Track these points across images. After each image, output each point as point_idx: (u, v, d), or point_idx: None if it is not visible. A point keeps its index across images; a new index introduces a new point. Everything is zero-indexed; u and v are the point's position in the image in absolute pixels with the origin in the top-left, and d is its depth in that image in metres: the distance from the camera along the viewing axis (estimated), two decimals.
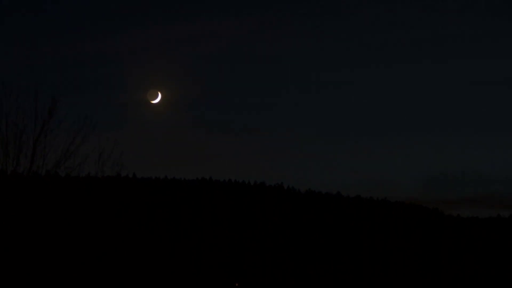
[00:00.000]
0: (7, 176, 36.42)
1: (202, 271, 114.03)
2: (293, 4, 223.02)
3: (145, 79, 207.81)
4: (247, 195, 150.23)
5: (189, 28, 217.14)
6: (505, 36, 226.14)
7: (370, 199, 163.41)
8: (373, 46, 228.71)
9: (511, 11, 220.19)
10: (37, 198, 37.15)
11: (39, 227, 37.56)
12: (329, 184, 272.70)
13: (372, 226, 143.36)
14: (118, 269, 44.87)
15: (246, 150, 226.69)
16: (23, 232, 36.95)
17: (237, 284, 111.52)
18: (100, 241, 41.44)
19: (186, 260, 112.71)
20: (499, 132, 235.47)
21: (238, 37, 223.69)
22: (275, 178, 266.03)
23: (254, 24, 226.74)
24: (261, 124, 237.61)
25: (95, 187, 39.83)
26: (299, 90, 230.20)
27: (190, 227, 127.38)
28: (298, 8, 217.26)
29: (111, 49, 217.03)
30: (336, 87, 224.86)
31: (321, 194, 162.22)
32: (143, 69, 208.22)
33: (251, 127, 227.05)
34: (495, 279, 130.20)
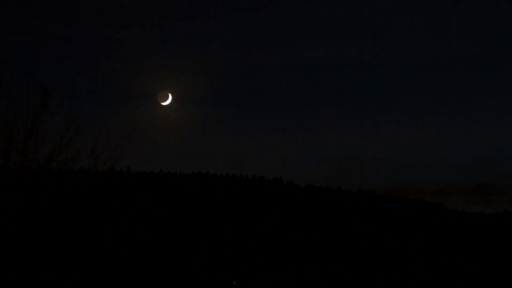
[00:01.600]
0: None
1: (202, 271, 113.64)
2: None
3: (143, 71, 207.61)
4: (246, 191, 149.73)
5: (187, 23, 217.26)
6: None
7: (371, 193, 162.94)
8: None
9: None
10: (29, 194, 36.26)
11: (31, 224, 36.73)
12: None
13: (373, 223, 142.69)
14: (114, 268, 44.14)
15: None
16: (14, 229, 36.10)
17: (235, 283, 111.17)
18: (95, 239, 40.66)
19: (185, 259, 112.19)
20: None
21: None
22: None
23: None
24: None
25: (89, 181, 38.94)
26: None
27: (188, 222, 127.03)
28: None
29: (109, 35, 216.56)
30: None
31: (321, 188, 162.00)
32: (141, 61, 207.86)
33: None
34: (500, 279, 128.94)
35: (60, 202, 37.97)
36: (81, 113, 36.55)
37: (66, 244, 38.09)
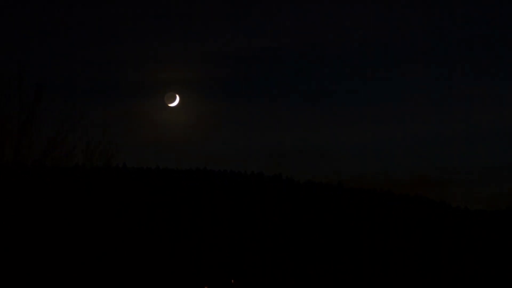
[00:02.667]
0: None
1: (202, 271, 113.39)
2: None
3: (138, 64, 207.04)
4: (246, 191, 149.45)
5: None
6: None
7: (372, 191, 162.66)
8: None
9: None
10: (23, 191, 35.77)
11: (25, 222, 36.24)
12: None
13: (374, 222, 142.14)
14: (113, 268, 43.64)
15: None
16: (8, 227, 35.62)
17: (233, 281, 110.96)
18: (93, 238, 40.16)
19: (185, 259, 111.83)
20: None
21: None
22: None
23: None
24: None
25: (84, 178, 38.44)
26: None
27: (188, 222, 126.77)
28: None
29: (102, 26, 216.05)
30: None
31: (321, 185, 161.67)
32: (139, 57, 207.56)
33: None
34: (503, 278, 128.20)
35: (55, 199, 37.47)
36: (76, 109, 36.16)
37: (62, 242, 37.57)
